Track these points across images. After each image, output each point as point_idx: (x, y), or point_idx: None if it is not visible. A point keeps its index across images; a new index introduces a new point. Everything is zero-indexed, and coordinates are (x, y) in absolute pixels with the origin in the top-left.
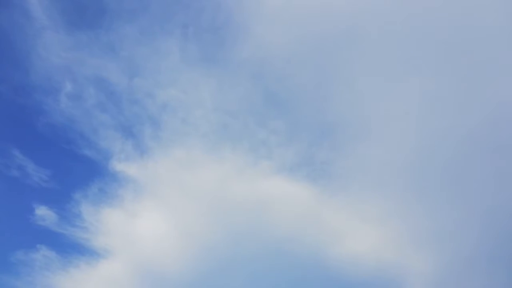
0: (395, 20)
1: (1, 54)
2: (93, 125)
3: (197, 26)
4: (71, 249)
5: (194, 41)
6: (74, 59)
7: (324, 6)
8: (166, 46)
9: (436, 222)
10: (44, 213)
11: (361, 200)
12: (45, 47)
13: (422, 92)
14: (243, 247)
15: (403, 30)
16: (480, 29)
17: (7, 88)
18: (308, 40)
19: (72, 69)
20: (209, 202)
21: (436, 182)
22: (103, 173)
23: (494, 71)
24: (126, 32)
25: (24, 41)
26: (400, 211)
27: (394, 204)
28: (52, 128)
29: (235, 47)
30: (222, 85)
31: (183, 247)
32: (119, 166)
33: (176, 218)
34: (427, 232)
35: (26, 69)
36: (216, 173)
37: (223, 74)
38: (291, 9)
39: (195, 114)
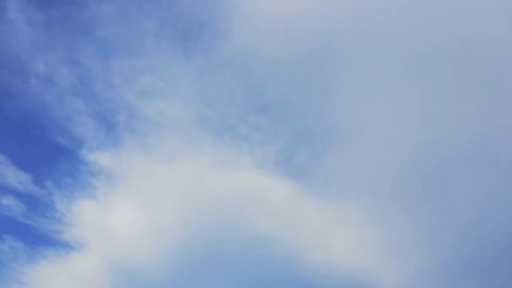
0: (384, 27)
1: None
2: (66, 111)
3: (177, 10)
4: (40, 240)
5: (173, 25)
6: (45, 38)
7: (314, 7)
8: (144, 29)
9: (414, 231)
10: (10, 203)
11: (340, 204)
12: (11, 23)
13: (407, 102)
14: (219, 244)
15: (391, 38)
16: (470, 38)
17: None
18: (295, 40)
19: (43, 49)
20: (186, 197)
21: (416, 193)
22: (77, 162)
23: (476, 85)
24: (102, 12)
25: None
26: (378, 218)
27: (373, 211)
28: (21, 112)
29: (217, 34)
30: (202, 75)
31: (158, 242)
32: (92, 155)
33: (151, 212)
34: (403, 241)
35: None
36: (194, 167)
37: (202, 63)
38: (280, 9)
39: (173, 104)
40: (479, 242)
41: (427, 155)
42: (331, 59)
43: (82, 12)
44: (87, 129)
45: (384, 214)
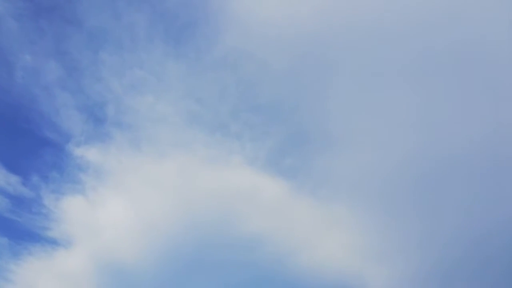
0: (377, 32)
1: None
2: (54, 104)
3: (169, 5)
4: (27, 236)
5: (164, 20)
6: (31, 28)
7: (307, 12)
8: (134, 22)
9: (401, 235)
10: None
11: (330, 206)
12: None
13: (398, 107)
14: (208, 243)
15: (383, 43)
16: (463, 42)
17: None
18: (288, 44)
19: (30, 40)
20: (175, 194)
21: (405, 197)
22: (64, 157)
23: (466, 90)
24: (91, 1)
25: None
26: (367, 221)
27: (362, 214)
28: (7, 105)
29: (210, 33)
30: (193, 72)
31: (146, 240)
32: (80, 150)
33: (140, 209)
34: (391, 244)
35: None
36: (184, 164)
37: (194, 59)
38: (273, 13)
39: (164, 100)
40: (466, 247)
41: (416, 160)
42: (323, 63)
43: (70, 1)
44: (75, 123)
45: (373, 217)
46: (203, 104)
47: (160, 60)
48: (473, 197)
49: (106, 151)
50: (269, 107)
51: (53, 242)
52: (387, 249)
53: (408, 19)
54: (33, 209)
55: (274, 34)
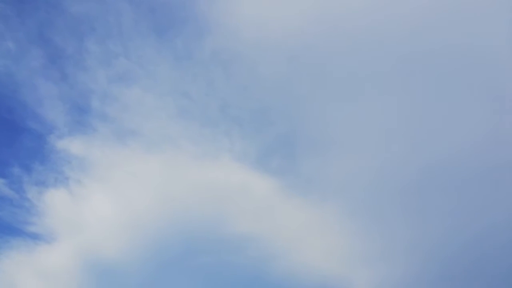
0: (362, 38)
1: None
2: (37, 94)
3: None
4: (7, 230)
5: (152, 10)
6: (13, 13)
7: (295, 18)
8: (121, 8)
9: (387, 241)
10: None
11: (318, 208)
12: None
13: (386, 114)
14: (194, 241)
15: (369, 49)
16: (448, 48)
17: None
18: (278, 43)
19: (12, 25)
20: (162, 191)
21: (392, 203)
22: (47, 149)
23: (454, 97)
24: None
25: None
26: (353, 225)
27: (348, 218)
28: None
29: (198, 29)
30: (182, 65)
31: (131, 237)
32: (63, 142)
33: (125, 205)
34: (377, 249)
35: None
36: (171, 160)
37: (183, 53)
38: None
39: (151, 92)
40: (451, 252)
41: (403, 165)
42: (312, 67)
43: None
44: (58, 113)
45: (360, 221)
46: (191, 99)
47: (148, 51)
48: (459, 203)
49: (90, 144)
50: (258, 108)
51: (35, 237)
52: (373, 253)
53: (397, 24)
54: (15, 202)
55: (264, 36)
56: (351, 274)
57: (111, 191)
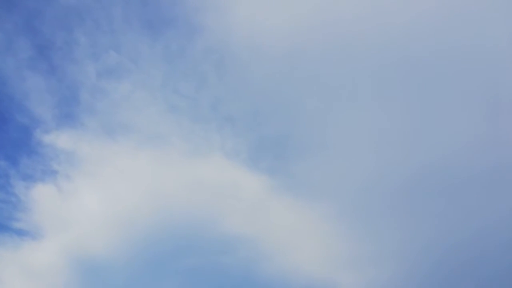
0: (352, 44)
1: None
2: (24, 86)
3: None
4: None
5: (143, 3)
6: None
7: (288, 22)
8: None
9: (375, 244)
10: None
11: (307, 210)
12: None
13: (376, 118)
14: (184, 240)
15: (359, 54)
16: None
17: None
18: (270, 47)
19: None
20: (152, 188)
21: (381, 206)
22: (34, 143)
23: (445, 102)
24: None
25: None
26: (342, 228)
27: (338, 220)
28: None
29: (191, 26)
30: (172, 59)
31: (119, 235)
32: (50, 136)
33: (114, 202)
34: (366, 252)
35: None
36: (161, 157)
37: (172, 46)
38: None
39: (141, 87)
40: (440, 256)
41: (393, 169)
42: (304, 71)
43: None
44: (46, 106)
45: (349, 224)
46: (182, 95)
47: (139, 46)
48: (449, 205)
49: (78, 138)
50: (250, 107)
51: (21, 233)
52: (361, 256)
53: (391, 27)
54: (1, 197)
55: (257, 37)
56: (339, 276)
57: (100, 187)
